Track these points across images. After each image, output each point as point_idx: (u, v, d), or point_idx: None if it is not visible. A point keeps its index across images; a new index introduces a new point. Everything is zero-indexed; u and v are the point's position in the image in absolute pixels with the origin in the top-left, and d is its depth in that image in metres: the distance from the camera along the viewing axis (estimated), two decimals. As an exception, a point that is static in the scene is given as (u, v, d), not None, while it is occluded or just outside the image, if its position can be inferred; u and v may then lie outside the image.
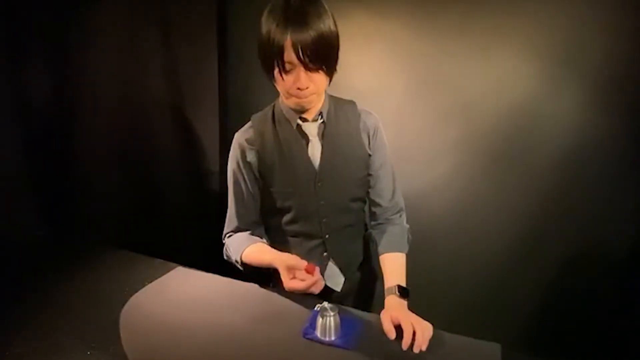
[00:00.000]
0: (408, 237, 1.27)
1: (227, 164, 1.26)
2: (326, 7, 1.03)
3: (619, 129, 1.58)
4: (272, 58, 1.02)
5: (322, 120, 1.19)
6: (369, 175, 1.25)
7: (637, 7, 1.48)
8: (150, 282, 1.22)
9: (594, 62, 1.56)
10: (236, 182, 1.24)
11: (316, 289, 1.08)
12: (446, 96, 1.79)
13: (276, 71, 1.04)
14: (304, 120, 1.18)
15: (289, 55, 1.00)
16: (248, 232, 1.27)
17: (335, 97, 1.25)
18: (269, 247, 1.21)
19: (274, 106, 1.23)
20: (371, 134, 1.23)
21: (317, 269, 1.08)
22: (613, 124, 1.58)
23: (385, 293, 1.13)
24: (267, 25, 1.01)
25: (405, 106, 1.86)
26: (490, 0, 1.65)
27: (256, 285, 1.22)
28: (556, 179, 1.69)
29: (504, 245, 1.82)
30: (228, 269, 1.29)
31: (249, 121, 1.25)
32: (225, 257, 1.29)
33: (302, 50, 0.99)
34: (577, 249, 1.70)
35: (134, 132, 1.85)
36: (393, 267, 1.20)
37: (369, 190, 1.27)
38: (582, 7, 1.54)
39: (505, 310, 1.87)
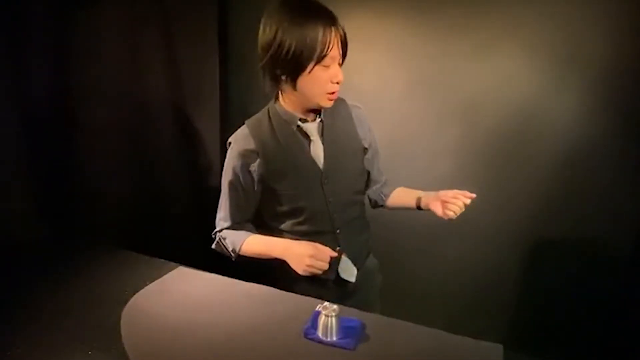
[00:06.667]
0: None
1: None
2: None
3: (621, 130, 1.58)
4: (315, 55, 1.01)
5: (320, 119, 1.19)
6: (366, 159, 1.28)
7: (638, 7, 1.48)
8: (151, 282, 1.22)
9: (596, 62, 1.56)
10: (234, 188, 1.22)
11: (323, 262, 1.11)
12: (447, 96, 1.79)
13: (313, 70, 1.03)
14: (304, 120, 1.17)
15: (335, 49, 1.02)
16: (239, 226, 1.29)
17: None
18: (273, 238, 1.22)
19: (268, 110, 1.21)
20: (364, 126, 1.27)
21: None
22: (615, 124, 1.58)
23: (416, 201, 1.27)
24: (293, 24, 0.99)
25: (407, 106, 1.86)
26: (491, 1, 1.65)
27: (257, 286, 1.22)
28: (557, 178, 1.69)
29: (505, 246, 1.81)
30: (229, 269, 1.29)
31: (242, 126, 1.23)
32: (214, 246, 1.30)
33: (342, 42, 1.03)
34: (579, 249, 1.70)
35: (135, 132, 1.85)
36: (408, 190, 1.33)
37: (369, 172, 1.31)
38: (584, 7, 1.54)
39: (507, 310, 1.86)
